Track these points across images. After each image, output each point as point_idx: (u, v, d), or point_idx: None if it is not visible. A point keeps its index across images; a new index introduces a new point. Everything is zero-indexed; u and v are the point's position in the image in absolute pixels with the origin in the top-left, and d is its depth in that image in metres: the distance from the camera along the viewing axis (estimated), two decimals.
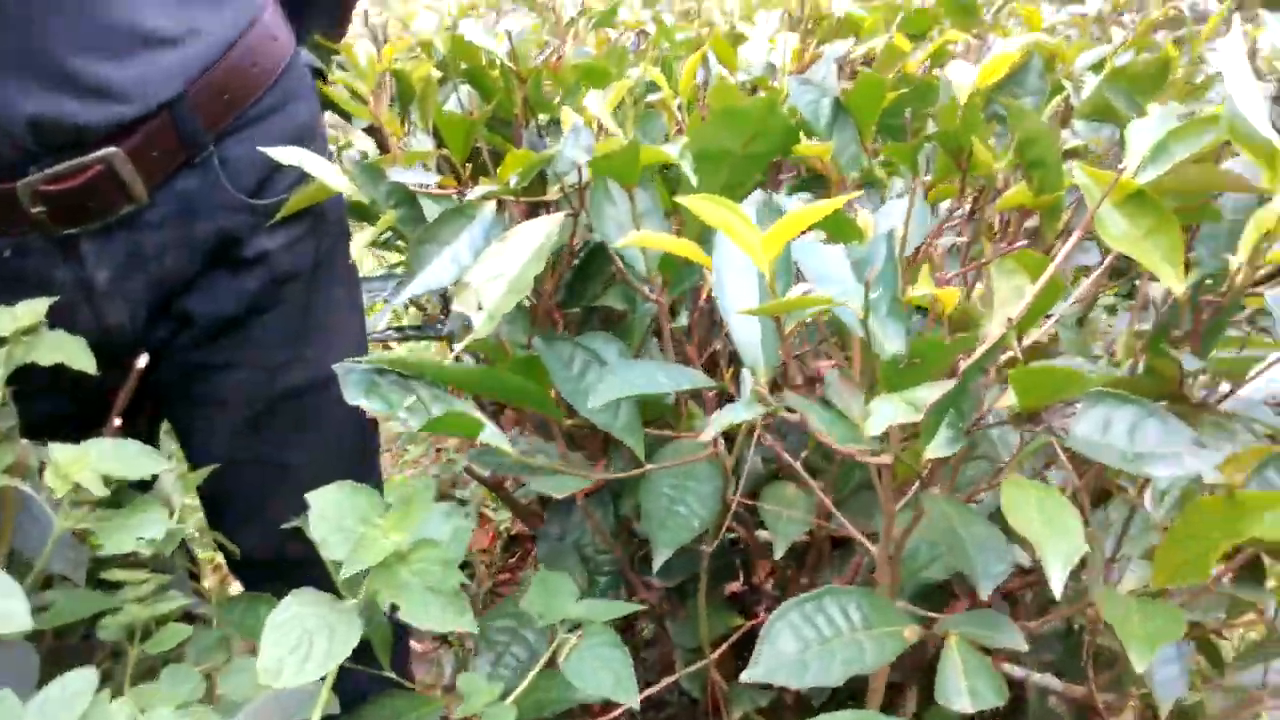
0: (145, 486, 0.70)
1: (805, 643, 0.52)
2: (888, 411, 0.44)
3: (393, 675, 0.67)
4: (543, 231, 0.70)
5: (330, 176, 0.72)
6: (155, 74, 0.67)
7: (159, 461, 0.61)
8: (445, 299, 1.20)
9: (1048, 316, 0.60)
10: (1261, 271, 0.60)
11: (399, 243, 1.28)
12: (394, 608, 0.52)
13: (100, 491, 0.57)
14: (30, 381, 0.64)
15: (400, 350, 2.06)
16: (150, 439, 0.84)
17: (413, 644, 1.38)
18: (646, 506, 0.75)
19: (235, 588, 0.93)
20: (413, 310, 1.70)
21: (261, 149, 0.71)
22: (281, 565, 0.78)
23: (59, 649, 0.68)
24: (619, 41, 1.20)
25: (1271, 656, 0.68)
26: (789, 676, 0.51)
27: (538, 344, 0.74)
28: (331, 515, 0.54)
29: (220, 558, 0.87)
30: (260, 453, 0.80)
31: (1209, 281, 0.62)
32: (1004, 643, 0.54)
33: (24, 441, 0.64)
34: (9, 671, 0.57)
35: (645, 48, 1.17)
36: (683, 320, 0.81)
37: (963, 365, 0.54)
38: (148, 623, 0.66)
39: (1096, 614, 0.65)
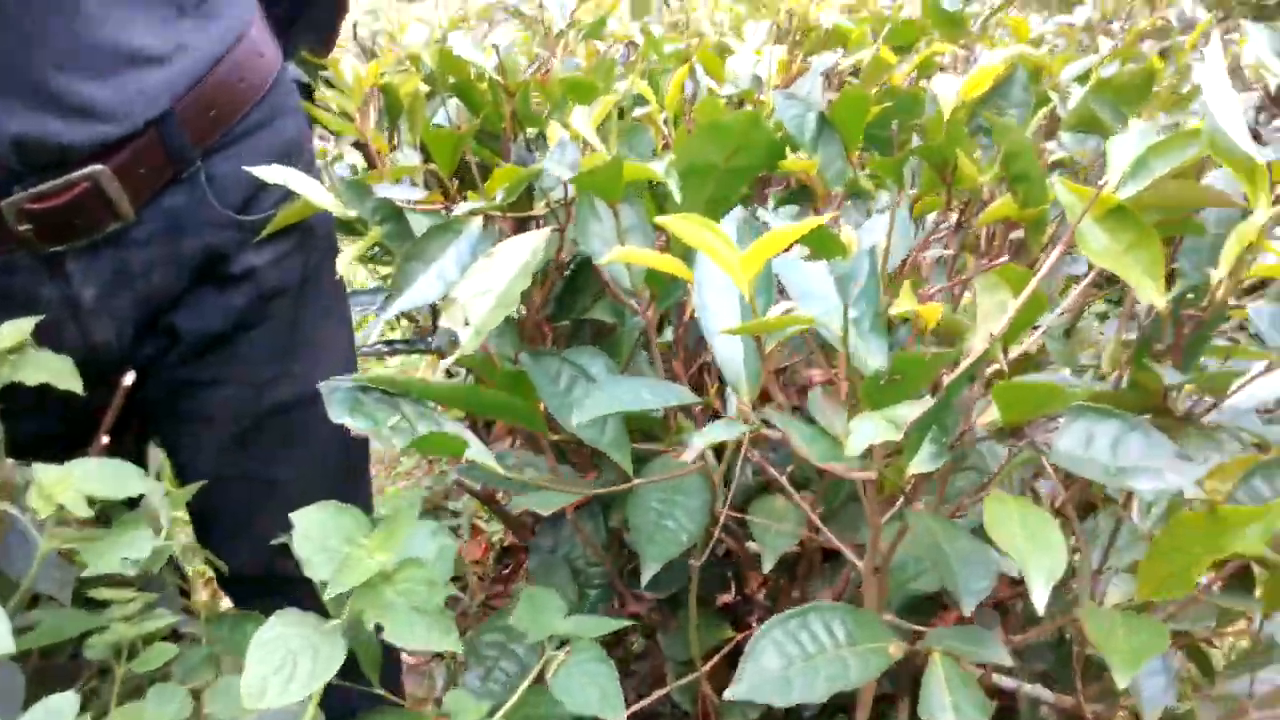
0: (135, 502, 0.69)
1: (789, 659, 0.52)
2: (868, 430, 0.44)
3: (381, 692, 0.67)
4: (529, 247, 0.70)
5: (316, 194, 0.72)
6: (142, 92, 0.67)
7: (143, 481, 0.61)
8: (436, 312, 1.20)
9: (1035, 328, 0.60)
10: (1243, 285, 0.61)
11: (389, 255, 1.28)
12: (379, 628, 0.52)
13: (83, 513, 0.57)
14: (16, 401, 0.64)
15: (394, 362, 2.06)
16: (138, 456, 0.84)
17: (405, 657, 1.38)
18: (634, 521, 0.75)
19: (227, 603, 0.93)
20: (404, 323, 1.70)
21: (247, 168, 0.71)
22: (270, 581, 0.78)
23: (45, 668, 0.68)
24: (608, 53, 1.20)
25: (1258, 666, 0.68)
26: (773, 693, 0.51)
27: (524, 359, 0.74)
28: (315, 535, 0.54)
29: (212, 571, 0.87)
30: (248, 469, 0.80)
31: (1190, 295, 0.62)
32: (989, 657, 0.54)
33: (9, 461, 0.64)
34: None
35: (634, 60, 1.18)
36: (669, 335, 0.82)
37: (946, 380, 0.54)
38: (135, 641, 0.66)
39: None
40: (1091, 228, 0.57)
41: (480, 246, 0.72)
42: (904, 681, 0.82)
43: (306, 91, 0.93)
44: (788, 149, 0.77)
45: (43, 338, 0.66)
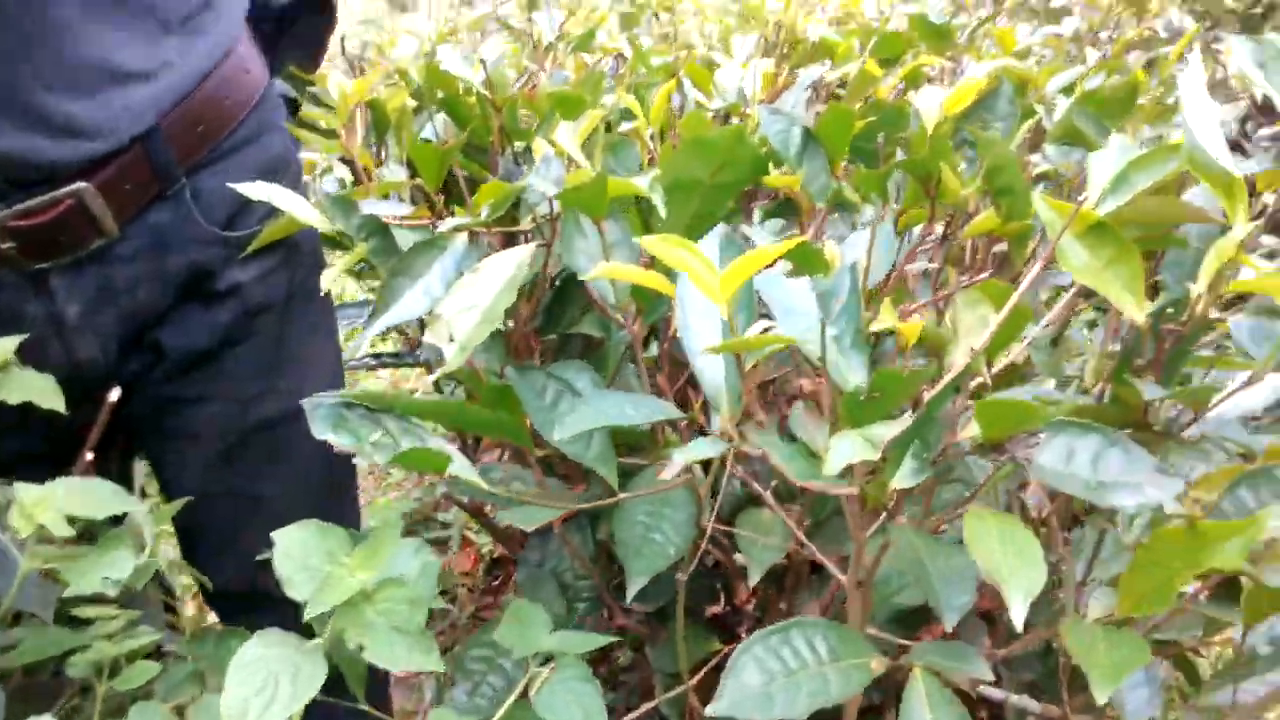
0: (120, 518, 0.69)
1: (770, 675, 0.52)
2: (846, 449, 0.44)
3: (365, 708, 0.67)
4: (514, 262, 0.70)
5: (301, 210, 0.72)
6: (127, 109, 0.67)
7: (126, 500, 0.61)
8: (425, 325, 1.20)
9: (1020, 340, 0.60)
10: (1223, 300, 0.61)
11: (375, 271, 1.28)
12: (360, 647, 0.52)
13: (64, 533, 0.57)
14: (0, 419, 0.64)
15: (385, 374, 2.06)
16: (123, 473, 0.84)
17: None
18: (621, 535, 0.75)
19: (214, 617, 0.93)
20: (394, 335, 1.70)
21: (232, 185, 0.71)
22: (255, 597, 0.77)
23: (28, 686, 0.67)
24: (597, 66, 1.21)
25: (1241, 678, 0.68)
26: (754, 710, 0.51)
27: (510, 374, 0.74)
28: (296, 553, 0.54)
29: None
30: (233, 485, 0.80)
31: (1171, 310, 0.62)
32: (970, 673, 0.54)
33: None
34: None
35: (623, 72, 1.18)
36: (655, 350, 0.82)
37: (927, 396, 0.54)
38: (117, 659, 0.66)
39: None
40: (1072, 244, 0.57)
41: (466, 262, 0.73)
42: (891, 693, 0.82)
43: (294, 107, 0.93)
44: (772, 164, 0.77)
45: (27, 355, 0.66)
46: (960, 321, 0.59)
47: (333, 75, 0.87)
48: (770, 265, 0.54)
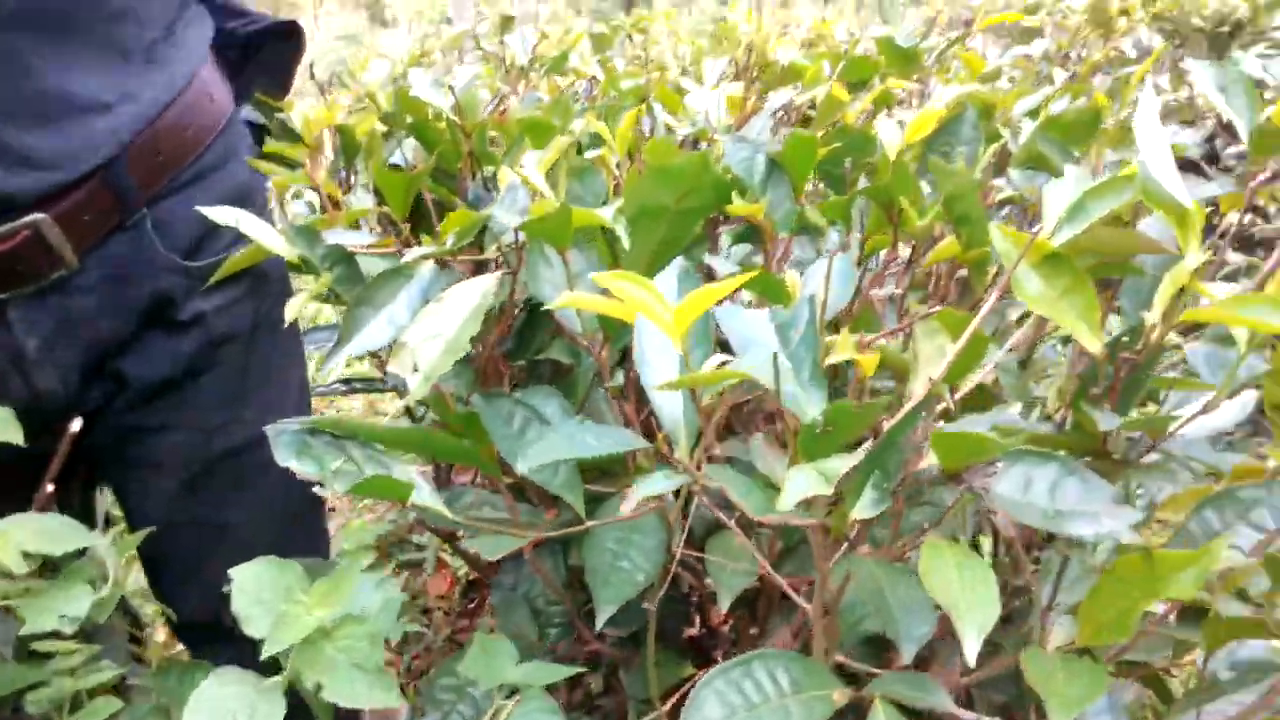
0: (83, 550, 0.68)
1: (731, 709, 0.52)
2: (800, 483, 0.45)
3: None
4: (479, 291, 0.70)
5: (267, 238, 0.72)
6: (86, 140, 0.67)
7: (85, 535, 0.61)
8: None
9: (982, 366, 0.61)
10: (1180, 326, 0.62)
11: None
12: (318, 686, 0.51)
13: (21, 569, 0.56)
14: None
15: (356, 401, 2.05)
16: (84, 503, 0.83)
17: None
18: (590, 562, 0.75)
19: (182, 647, 0.92)
20: (369, 358, 1.69)
21: (198, 209, 0.71)
22: (220, 627, 0.77)
23: None
24: (570, 89, 1.21)
25: (1203, 702, 0.69)
26: None
27: (477, 401, 0.74)
28: (252, 590, 0.53)
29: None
30: (197, 514, 0.79)
31: (1126, 339, 0.63)
32: (931, 704, 0.54)
33: None
34: None
35: (595, 95, 1.18)
36: (621, 378, 0.82)
37: (887, 425, 0.54)
38: (79, 694, 0.65)
39: None
40: (1027, 273, 0.57)
41: (433, 290, 0.72)
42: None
43: (262, 133, 0.93)
44: (735, 193, 0.77)
45: None
46: (919, 351, 0.59)
47: (299, 104, 0.86)
48: (729, 297, 0.55)
